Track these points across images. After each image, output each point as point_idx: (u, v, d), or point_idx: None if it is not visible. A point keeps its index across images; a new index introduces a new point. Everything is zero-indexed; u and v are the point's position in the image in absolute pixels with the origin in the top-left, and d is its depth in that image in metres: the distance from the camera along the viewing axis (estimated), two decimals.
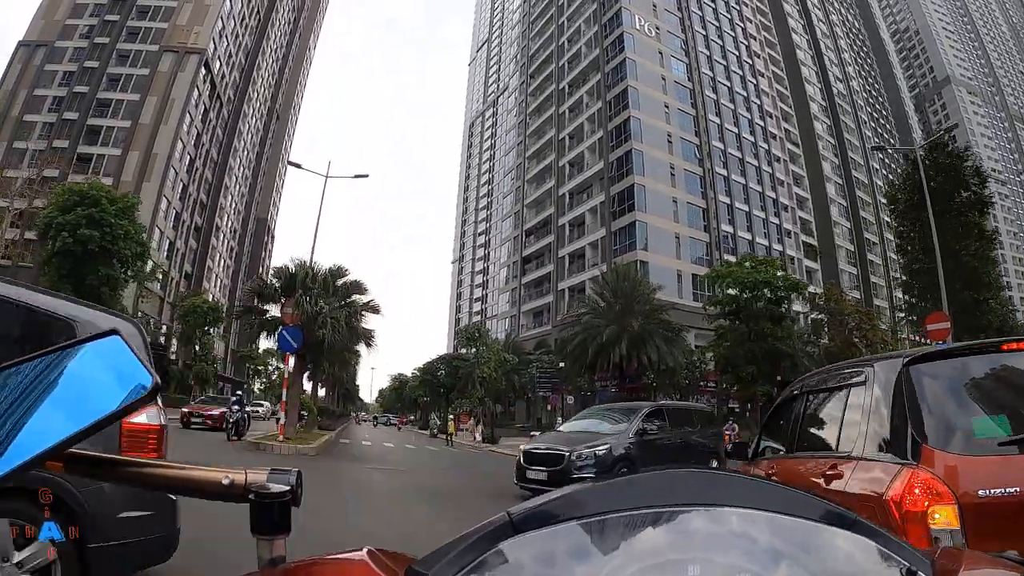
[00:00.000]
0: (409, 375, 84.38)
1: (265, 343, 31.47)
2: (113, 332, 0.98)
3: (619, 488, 0.98)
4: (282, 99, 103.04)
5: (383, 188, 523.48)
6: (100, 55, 68.74)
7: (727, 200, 67.45)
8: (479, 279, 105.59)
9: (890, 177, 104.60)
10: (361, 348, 31.66)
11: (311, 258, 28.04)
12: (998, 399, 3.73)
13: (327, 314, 24.84)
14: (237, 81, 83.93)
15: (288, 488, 1.05)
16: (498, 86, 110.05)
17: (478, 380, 48.00)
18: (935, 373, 3.70)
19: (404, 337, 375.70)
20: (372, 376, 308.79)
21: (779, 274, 42.62)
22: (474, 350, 53.27)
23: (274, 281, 27.15)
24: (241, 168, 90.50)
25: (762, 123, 77.58)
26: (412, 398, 77.70)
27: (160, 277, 56.94)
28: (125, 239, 36.01)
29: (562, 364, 43.27)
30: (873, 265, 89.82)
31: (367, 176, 30.67)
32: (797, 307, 45.50)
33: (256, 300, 27.54)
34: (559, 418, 40.32)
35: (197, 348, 56.38)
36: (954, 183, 33.92)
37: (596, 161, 65.80)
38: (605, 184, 62.71)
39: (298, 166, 27.20)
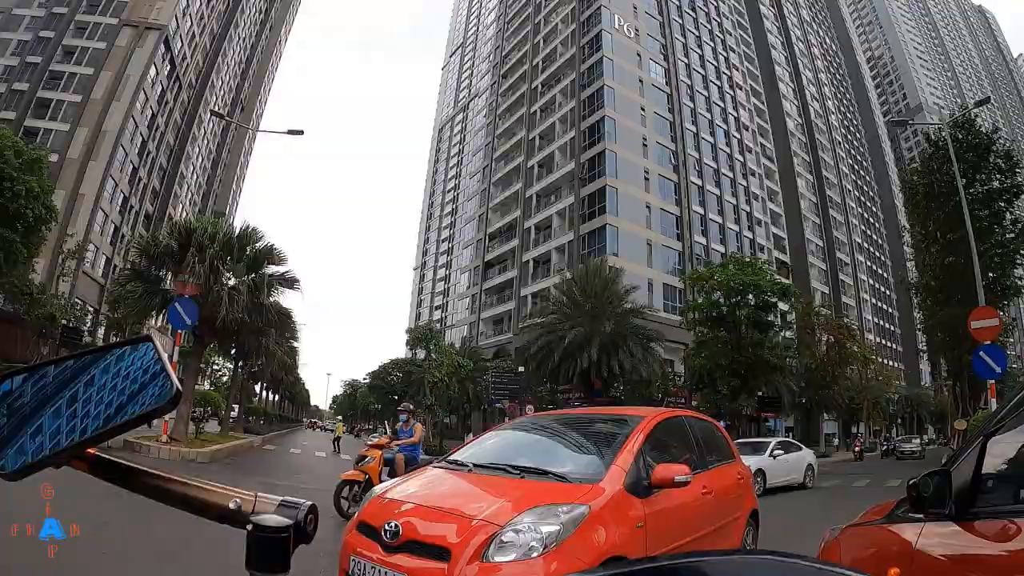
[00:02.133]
0: (363, 381, 79.14)
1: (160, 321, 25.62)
2: (147, 339, 1.01)
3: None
4: (248, 90, 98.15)
5: (349, 191, 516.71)
6: (57, 25, 63.87)
7: (701, 211, 64.04)
8: (440, 286, 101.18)
9: (862, 199, 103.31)
10: (299, 346, 26.97)
11: (229, 218, 23.22)
12: None
13: (224, 283, 20.31)
14: (200, 65, 79.02)
15: (291, 523, 0.94)
16: (470, 91, 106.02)
17: (428, 385, 43.10)
18: None
19: (366, 345, 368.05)
20: (328, 382, 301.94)
21: (768, 278, 38.56)
22: (424, 353, 48.53)
23: (167, 239, 22.09)
24: (200, 158, 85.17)
25: (738, 135, 74.72)
26: (363, 405, 72.47)
27: (85, 257, 51.06)
28: (28, 198, 30.49)
29: (521, 369, 38.68)
30: (844, 285, 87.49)
31: (301, 133, 25.93)
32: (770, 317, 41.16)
33: (146, 263, 22.47)
34: None
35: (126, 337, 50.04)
36: (980, 165, 30.07)
37: (567, 162, 61.85)
38: (575, 186, 58.66)
39: (221, 116, 22.57)
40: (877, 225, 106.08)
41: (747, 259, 41.87)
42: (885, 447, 52.22)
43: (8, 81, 60.96)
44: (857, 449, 46.87)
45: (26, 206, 30.52)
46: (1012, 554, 2.02)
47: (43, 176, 32.86)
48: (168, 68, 69.44)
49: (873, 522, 3.07)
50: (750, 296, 37.49)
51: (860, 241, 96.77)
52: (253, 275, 21.94)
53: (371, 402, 68.66)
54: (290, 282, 22.84)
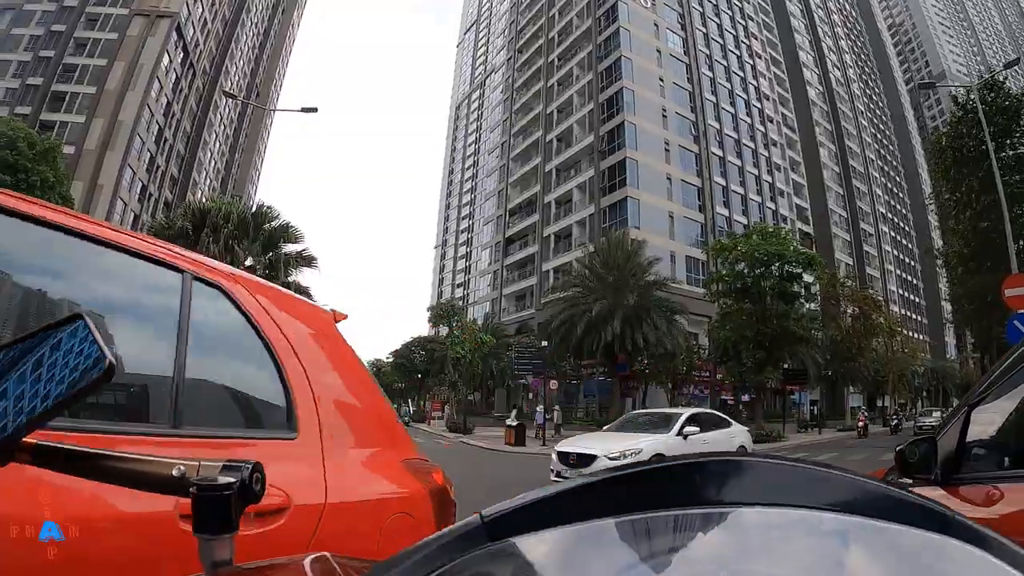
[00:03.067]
0: (386, 360, 78.67)
1: None
2: (78, 317, 0.95)
3: (623, 485, 0.72)
4: (263, 75, 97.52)
5: (366, 172, 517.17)
6: (68, 18, 64.08)
7: (722, 182, 62.83)
8: (461, 264, 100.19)
9: (886, 169, 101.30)
10: None
11: (248, 200, 22.53)
12: None
13: (240, 264, 19.57)
14: (213, 52, 78.54)
15: (235, 481, 0.92)
16: (485, 68, 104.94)
17: (451, 362, 42.43)
18: None
19: (389, 325, 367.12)
20: None
21: (792, 248, 37.39)
22: (447, 329, 47.85)
23: (181, 221, 21.39)
24: (217, 143, 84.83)
25: (759, 105, 73.10)
26: (387, 384, 71.76)
27: None
28: (43, 188, 30.03)
29: (544, 343, 37.80)
30: (869, 256, 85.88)
31: (315, 110, 25.15)
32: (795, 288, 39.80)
33: None
34: (539, 407, 34.93)
35: None
36: (1011, 129, 28.82)
37: (585, 135, 60.71)
38: (595, 159, 57.69)
39: (233, 96, 21.81)
40: (901, 195, 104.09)
41: (771, 229, 40.65)
42: (895, 421, 46.36)
43: (22, 76, 61.13)
44: (861, 424, 40.91)
45: (42, 196, 30.22)
46: (996, 518, 2.07)
47: (57, 166, 32.60)
48: (181, 55, 69.28)
49: None
50: (774, 267, 36.45)
51: (884, 211, 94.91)
52: (270, 254, 21.32)
53: (395, 381, 68.13)
54: (307, 260, 22.14)
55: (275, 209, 21.70)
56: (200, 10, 72.66)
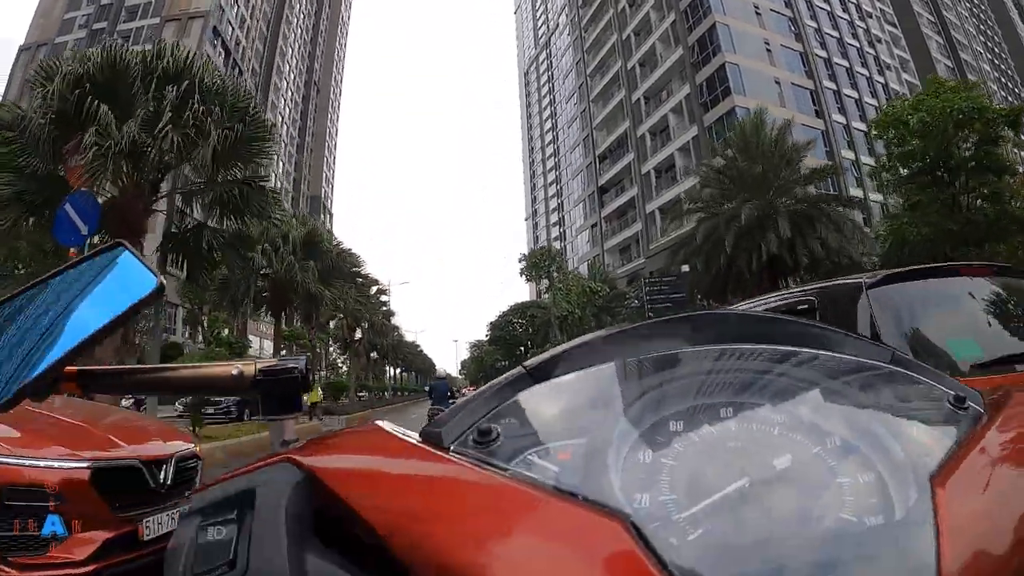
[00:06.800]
0: (485, 338, 69.77)
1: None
2: (119, 244, 0.99)
3: (639, 333, 0.83)
4: (320, 70, 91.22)
5: (447, 166, 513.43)
6: (100, 40, 59.52)
7: (832, 85, 52.59)
8: (556, 231, 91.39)
9: (996, 62, 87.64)
10: (388, 299, 17.95)
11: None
12: (963, 322, 3.12)
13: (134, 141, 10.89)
14: (260, 51, 72.53)
15: (297, 367, 0.97)
16: (547, 23, 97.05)
17: (556, 322, 33.11)
18: (899, 296, 3.08)
19: (489, 304, 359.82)
20: (456, 348, 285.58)
21: (990, 102, 26.15)
22: (545, 282, 38.46)
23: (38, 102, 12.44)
24: (284, 146, 78.56)
25: (855, 0, 61.92)
26: (490, 364, 62.76)
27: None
28: None
29: (685, 268, 27.63)
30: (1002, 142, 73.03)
31: None
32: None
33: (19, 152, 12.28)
34: None
35: (204, 326, 41.87)
36: None
37: (671, 51, 51.62)
38: (688, 73, 48.48)
39: None
40: (1012, 87, 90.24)
41: (952, 82, 29.07)
42: None
43: None
44: None
45: None
46: None
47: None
48: (222, 55, 63.89)
49: None
50: (968, 132, 25.35)
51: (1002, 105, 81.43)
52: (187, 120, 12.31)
53: (497, 359, 59.20)
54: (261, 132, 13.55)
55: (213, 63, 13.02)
56: (236, 8, 67.07)
